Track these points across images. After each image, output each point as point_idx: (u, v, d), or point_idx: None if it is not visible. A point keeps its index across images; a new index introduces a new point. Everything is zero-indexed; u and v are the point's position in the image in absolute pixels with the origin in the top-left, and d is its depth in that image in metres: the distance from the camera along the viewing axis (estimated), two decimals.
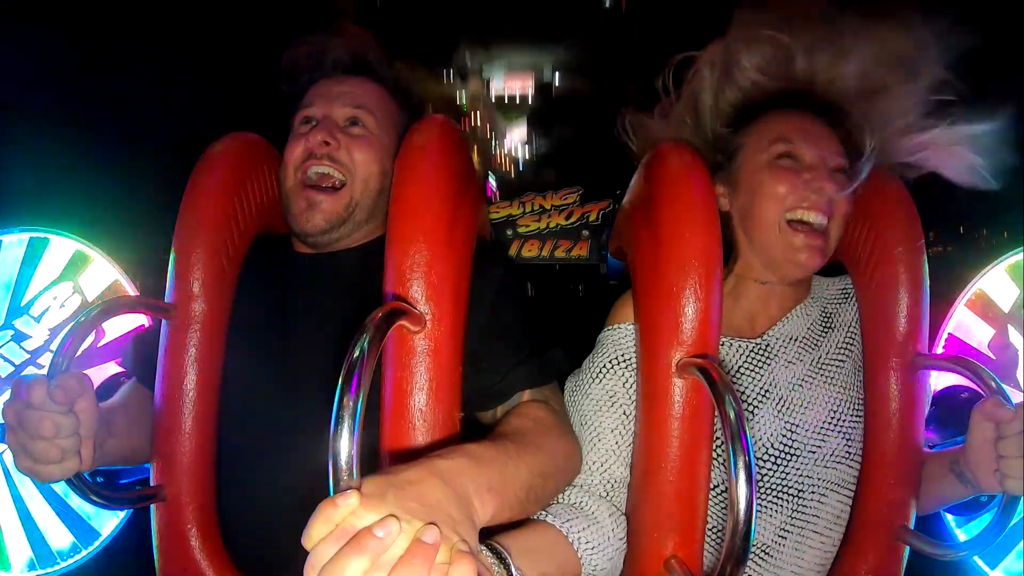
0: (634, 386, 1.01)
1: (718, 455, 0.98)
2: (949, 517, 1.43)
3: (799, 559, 1.01)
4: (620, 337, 1.05)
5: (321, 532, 0.54)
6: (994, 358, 1.52)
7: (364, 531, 0.53)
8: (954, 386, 1.43)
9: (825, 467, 1.02)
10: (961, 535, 1.42)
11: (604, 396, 1.02)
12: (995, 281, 1.54)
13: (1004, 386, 0.93)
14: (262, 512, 1.04)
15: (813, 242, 1.01)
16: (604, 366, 1.04)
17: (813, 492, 1.01)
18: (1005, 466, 0.87)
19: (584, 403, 1.03)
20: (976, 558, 1.44)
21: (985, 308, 1.54)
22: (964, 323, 1.55)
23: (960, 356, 1.15)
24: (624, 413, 1.00)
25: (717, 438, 0.97)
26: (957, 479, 0.98)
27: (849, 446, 1.04)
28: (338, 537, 0.53)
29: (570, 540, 0.89)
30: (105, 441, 0.96)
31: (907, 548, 1.03)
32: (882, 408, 1.04)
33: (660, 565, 0.91)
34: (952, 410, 1.38)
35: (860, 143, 1.05)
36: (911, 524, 1.02)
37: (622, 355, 1.04)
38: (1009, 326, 1.52)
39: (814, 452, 1.02)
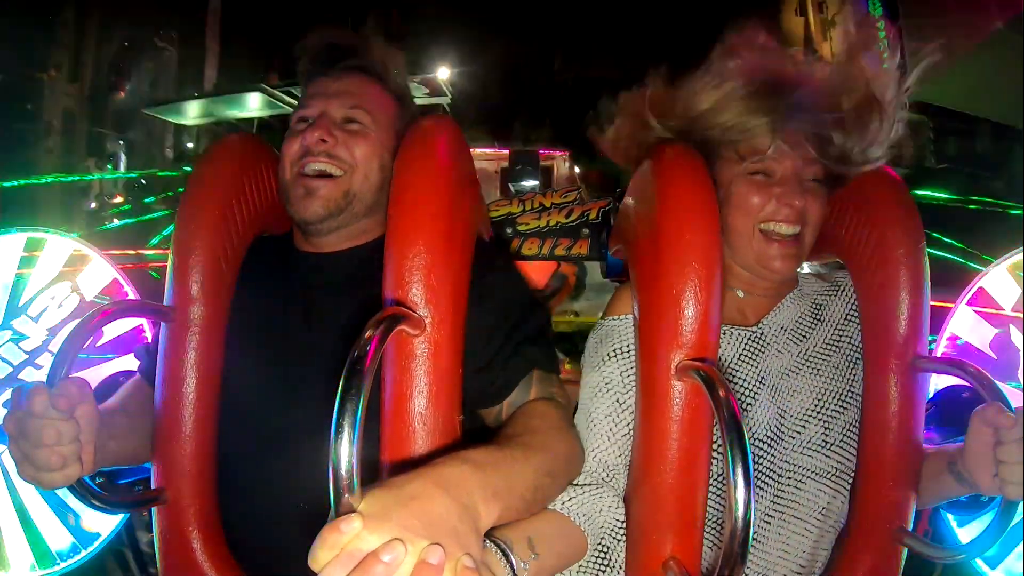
0: (631, 377, 1.02)
1: (717, 457, 0.98)
2: (950, 517, 1.43)
3: (784, 546, 1.02)
4: (621, 327, 1.06)
5: (326, 556, 0.54)
6: (995, 358, 1.52)
7: (371, 557, 0.54)
8: (954, 385, 1.43)
9: (802, 454, 1.03)
10: (962, 535, 1.42)
11: (601, 383, 1.04)
12: (996, 280, 1.54)
13: (1004, 389, 0.93)
14: (264, 513, 1.05)
15: (787, 251, 1.04)
16: (605, 355, 1.05)
17: (791, 477, 1.03)
18: (1004, 471, 0.87)
19: (582, 391, 1.05)
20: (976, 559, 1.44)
21: (986, 307, 1.54)
22: (965, 322, 1.54)
23: (960, 359, 1.15)
24: (617, 401, 1.02)
25: (716, 439, 0.97)
26: (955, 479, 0.98)
27: (827, 435, 1.05)
28: (344, 562, 0.54)
29: (571, 518, 0.91)
30: (106, 443, 0.96)
31: (905, 550, 1.03)
32: (881, 410, 1.04)
33: (658, 566, 0.91)
34: (952, 410, 1.39)
35: (839, 148, 1.05)
36: (909, 526, 1.02)
37: (623, 346, 1.05)
38: (1010, 326, 1.52)
39: (794, 438, 1.04)
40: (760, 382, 1.06)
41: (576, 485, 0.97)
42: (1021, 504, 0.91)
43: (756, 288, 1.11)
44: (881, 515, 1.02)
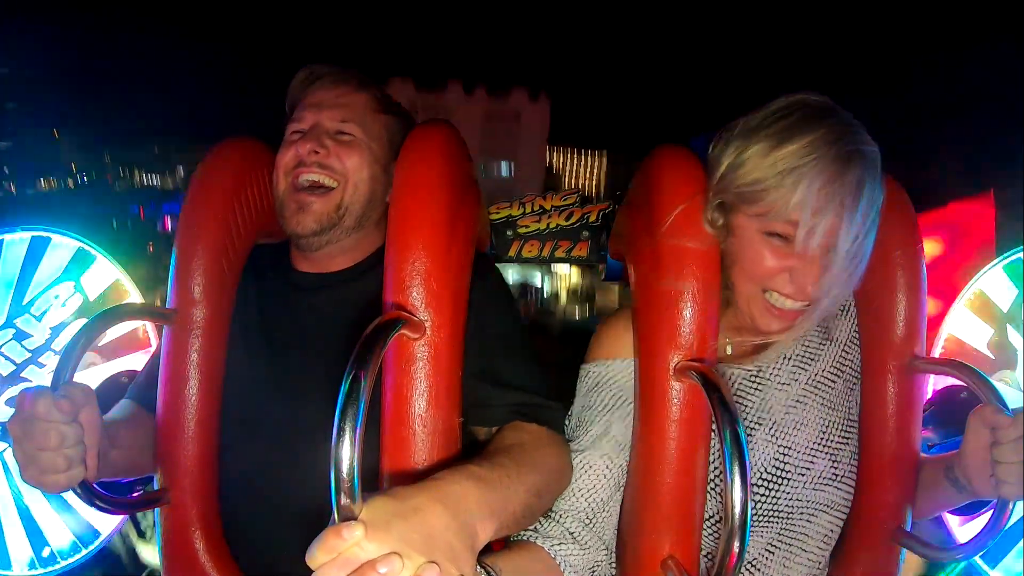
0: (627, 421, 1.01)
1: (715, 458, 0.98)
2: (948, 516, 1.44)
3: (787, 573, 1.01)
4: (614, 374, 1.04)
5: (323, 558, 0.55)
6: (993, 358, 1.52)
7: (368, 566, 0.54)
8: (952, 385, 1.44)
9: (814, 489, 1.01)
10: (962, 534, 1.43)
11: (601, 432, 1.02)
12: (994, 281, 1.54)
13: (1001, 390, 0.93)
14: (265, 514, 1.06)
15: (789, 323, 0.96)
16: (602, 406, 1.03)
17: (802, 514, 1.01)
18: (1001, 472, 0.87)
19: (581, 438, 1.03)
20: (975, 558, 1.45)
21: (984, 308, 1.54)
22: (963, 323, 1.55)
23: (957, 360, 1.15)
24: (617, 443, 1.00)
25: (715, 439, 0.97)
26: (952, 485, 0.97)
27: (836, 468, 1.02)
28: (341, 566, 0.55)
29: (558, 563, 0.91)
30: (109, 452, 0.96)
31: (903, 550, 1.03)
32: (879, 410, 1.04)
33: (657, 565, 0.92)
34: (950, 409, 1.39)
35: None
36: (907, 526, 1.03)
37: (619, 395, 1.03)
38: (1008, 326, 1.52)
39: (804, 475, 1.01)
40: (756, 423, 1.02)
41: (571, 533, 0.95)
42: (1018, 504, 0.91)
43: (749, 334, 1.03)
44: (879, 515, 1.03)
